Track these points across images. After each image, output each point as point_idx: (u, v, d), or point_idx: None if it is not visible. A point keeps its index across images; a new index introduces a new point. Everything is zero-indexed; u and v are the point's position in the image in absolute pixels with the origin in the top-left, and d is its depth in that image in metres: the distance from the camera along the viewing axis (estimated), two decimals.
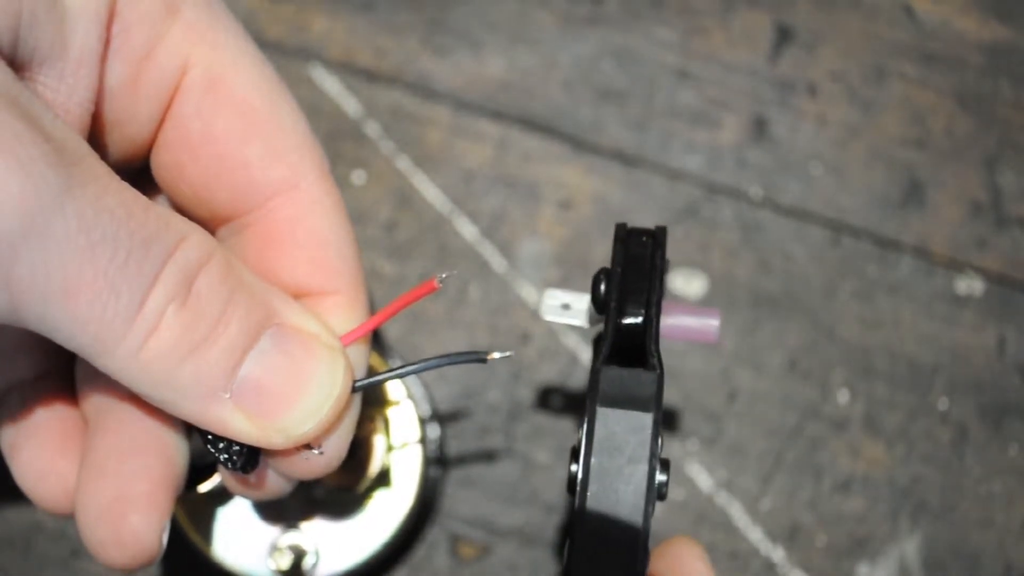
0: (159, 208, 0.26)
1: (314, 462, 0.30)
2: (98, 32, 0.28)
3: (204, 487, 0.36)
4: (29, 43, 0.26)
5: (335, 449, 0.30)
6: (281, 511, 0.39)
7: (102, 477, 0.29)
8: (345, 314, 0.31)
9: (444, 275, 0.28)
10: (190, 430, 0.30)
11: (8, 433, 0.32)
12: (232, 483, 0.31)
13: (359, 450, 0.39)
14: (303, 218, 0.31)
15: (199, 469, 0.33)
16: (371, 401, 0.40)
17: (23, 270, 0.24)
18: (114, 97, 0.29)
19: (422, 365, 0.30)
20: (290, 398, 0.28)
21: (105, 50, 0.28)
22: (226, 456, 0.29)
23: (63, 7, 0.27)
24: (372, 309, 0.33)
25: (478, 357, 0.29)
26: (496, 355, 0.29)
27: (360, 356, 0.31)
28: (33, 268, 0.24)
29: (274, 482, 0.31)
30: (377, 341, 0.45)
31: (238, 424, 0.27)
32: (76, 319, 0.25)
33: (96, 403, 0.31)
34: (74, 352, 0.26)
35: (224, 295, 0.27)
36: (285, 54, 0.49)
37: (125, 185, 0.26)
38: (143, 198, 0.26)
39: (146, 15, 0.29)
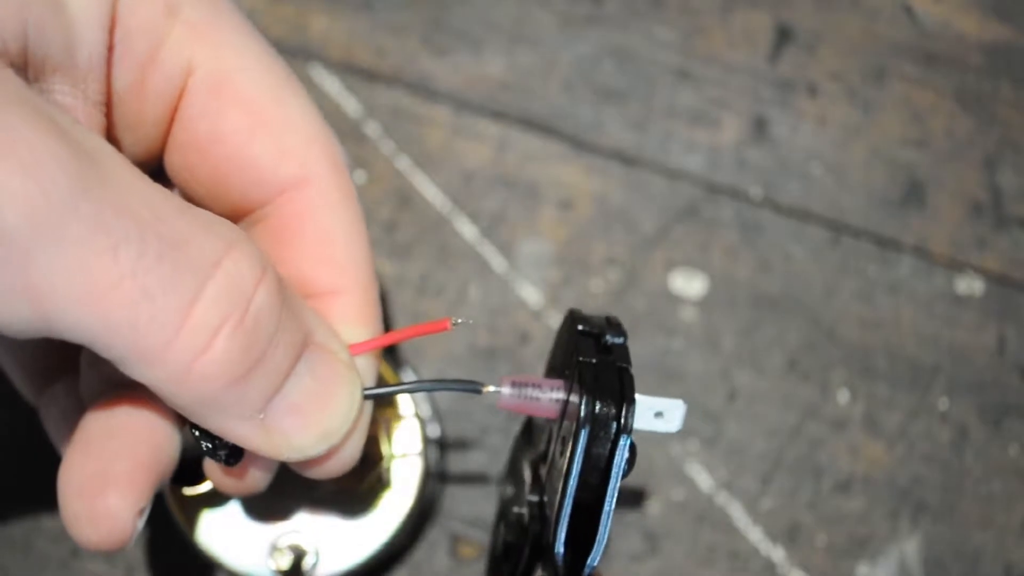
0: (201, 213, 0.25)
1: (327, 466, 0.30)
2: (103, 39, 0.28)
3: (202, 488, 0.36)
4: (39, 52, 0.26)
5: (347, 458, 0.30)
6: (281, 511, 0.39)
7: (86, 454, 0.28)
8: (353, 314, 0.31)
9: (459, 320, 0.30)
10: (183, 421, 0.30)
11: (57, 429, 0.32)
12: (216, 475, 0.31)
13: None
14: (311, 214, 0.31)
15: (198, 468, 0.33)
16: None
17: (40, 275, 0.23)
18: (122, 102, 0.29)
19: (418, 386, 0.31)
20: (315, 422, 0.28)
21: (110, 56, 0.28)
22: (210, 446, 0.29)
23: (68, 15, 0.27)
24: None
25: (474, 388, 0.30)
26: (491, 388, 0.31)
27: (371, 368, 0.31)
28: (51, 272, 0.23)
29: (252, 477, 0.31)
30: None
31: (257, 441, 0.27)
32: (109, 324, 0.24)
33: (93, 385, 0.31)
34: (116, 364, 0.25)
35: (277, 314, 0.26)
36: (285, 54, 0.48)
37: (156, 188, 0.25)
38: (178, 201, 0.25)
39: (146, 20, 0.29)
